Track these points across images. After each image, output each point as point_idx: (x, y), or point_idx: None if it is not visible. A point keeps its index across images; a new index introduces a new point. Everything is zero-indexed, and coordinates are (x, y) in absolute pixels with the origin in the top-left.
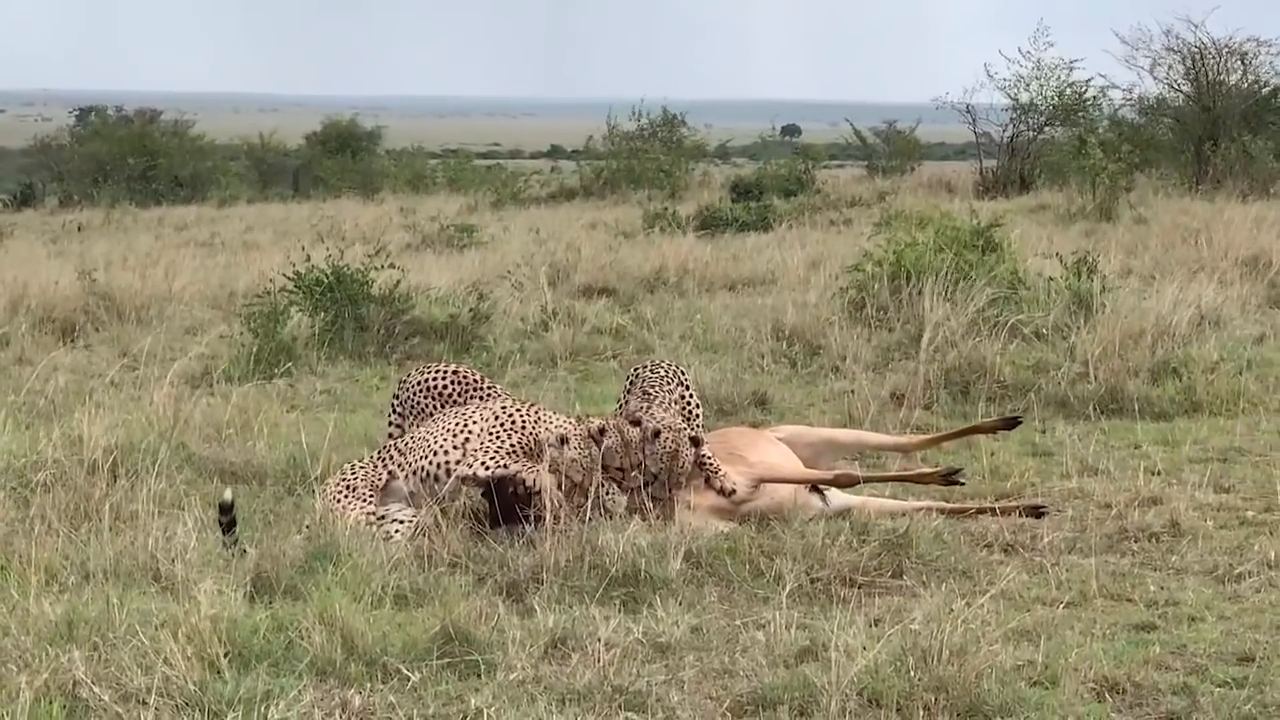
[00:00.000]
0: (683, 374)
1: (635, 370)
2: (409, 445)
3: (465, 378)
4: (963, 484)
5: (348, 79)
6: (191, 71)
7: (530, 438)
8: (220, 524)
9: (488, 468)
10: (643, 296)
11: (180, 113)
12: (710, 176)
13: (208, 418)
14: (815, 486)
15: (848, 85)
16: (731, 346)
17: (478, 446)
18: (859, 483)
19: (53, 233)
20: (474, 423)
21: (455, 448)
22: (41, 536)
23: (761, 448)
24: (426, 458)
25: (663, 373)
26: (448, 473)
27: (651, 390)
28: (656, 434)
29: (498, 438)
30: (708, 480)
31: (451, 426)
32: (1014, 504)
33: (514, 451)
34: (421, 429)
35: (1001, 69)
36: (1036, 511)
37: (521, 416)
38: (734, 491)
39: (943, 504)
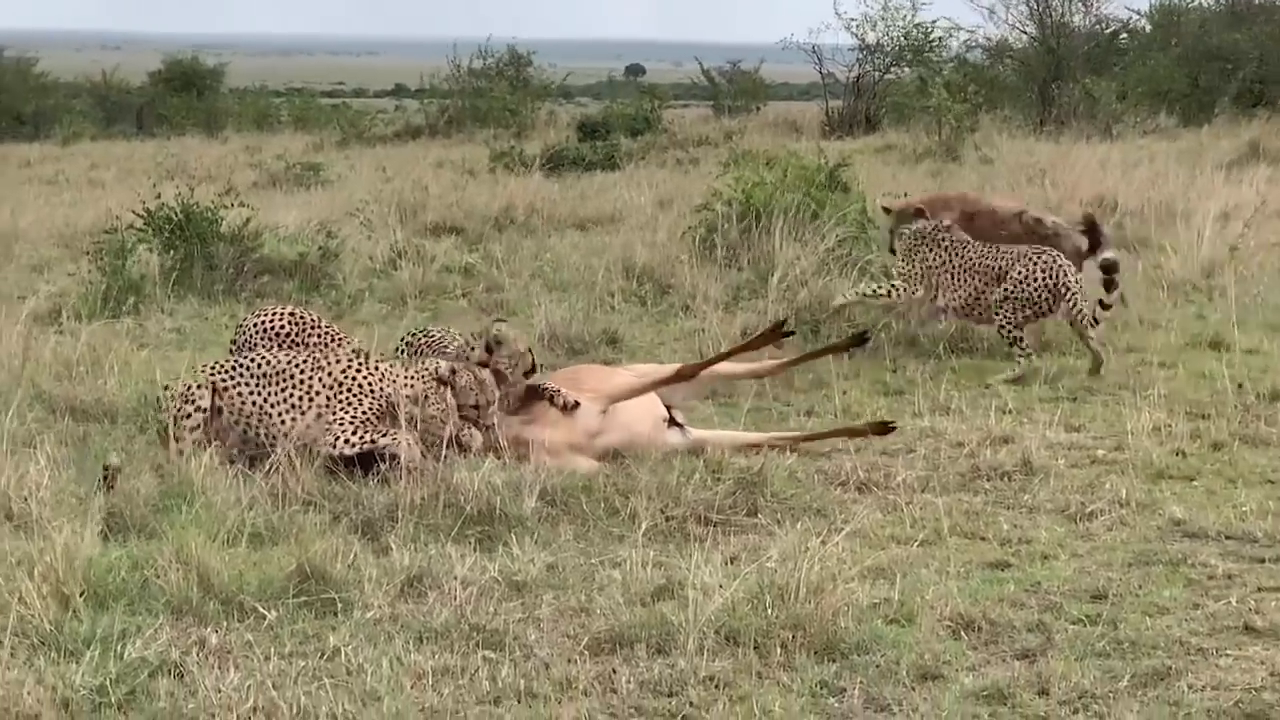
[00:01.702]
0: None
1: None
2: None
3: (303, 320)
4: (793, 333)
5: (189, 17)
6: (31, 7)
7: (381, 399)
8: (103, 480)
9: (352, 444)
10: (491, 235)
11: (22, 49)
12: (556, 116)
13: (57, 356)
14: (673, 420)
15: (691, 25)
16: (581, 285)
17: (333, 419)
18: (701, 370)
19: None
20: (318, 393)
21: (303, 419)
22: None
23: (614, 380)
24: (271, 427)
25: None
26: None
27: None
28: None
29: (350, 406)
30: (551, 401)
31: (295, 397)
32: (861, 424)
33: (369, 420)
34: (263, 394)
35: (850, 8)
36: (885, 428)
37: (364, 377)
38: (577, 405)
39: (795, 433)
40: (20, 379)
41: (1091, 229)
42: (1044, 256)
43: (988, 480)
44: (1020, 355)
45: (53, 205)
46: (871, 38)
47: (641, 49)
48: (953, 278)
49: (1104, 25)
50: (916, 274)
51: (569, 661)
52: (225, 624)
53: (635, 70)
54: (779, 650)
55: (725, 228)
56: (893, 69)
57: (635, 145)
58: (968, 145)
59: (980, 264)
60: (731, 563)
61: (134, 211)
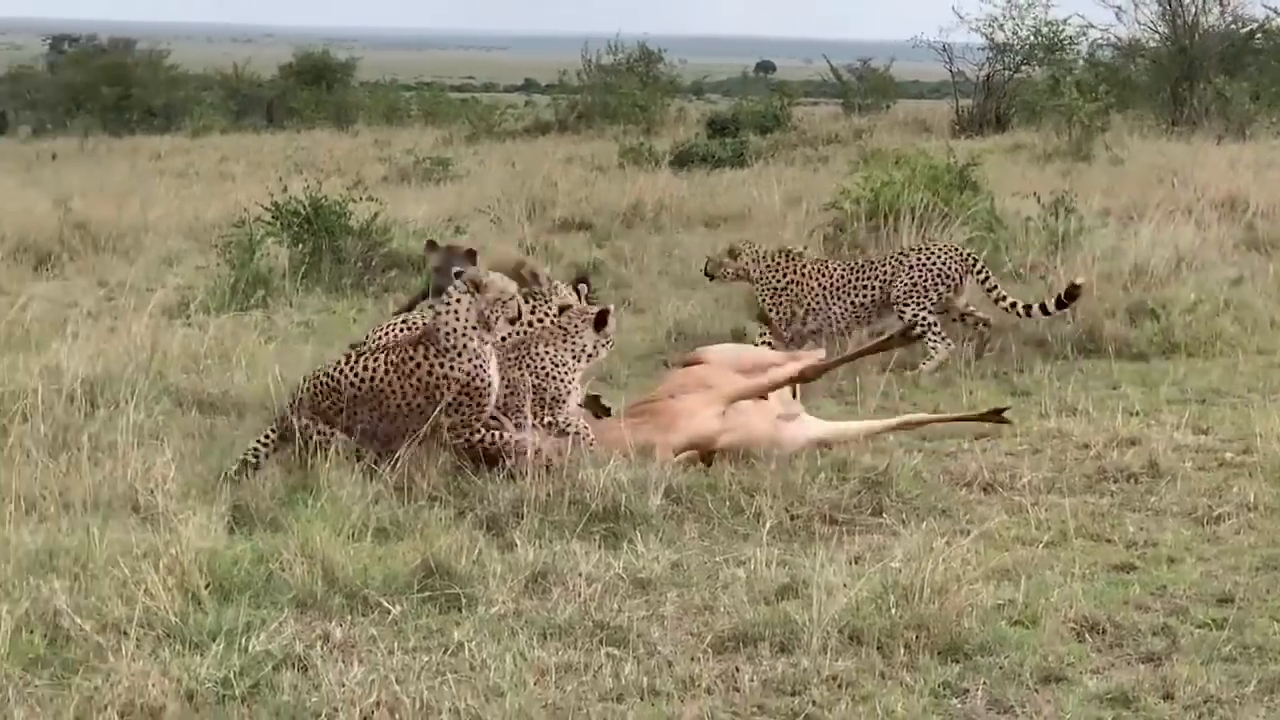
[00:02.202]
0: None
1: None
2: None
3: None
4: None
5: (321, 10)
6: (166, 1)
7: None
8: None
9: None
10: (619, 231)
11: (155, 42)
12: (686, 112)
13: (185, 348)
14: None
15: (822, 22)
16: (708, 282)
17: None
18: (824, 372)
19: (26, 162)
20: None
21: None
22: (20, 466)
23: (733, 381)
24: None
25: None
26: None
27: None
28: None
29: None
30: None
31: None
32: (976, 412)
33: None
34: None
35: (974, 8)
36: (999, 415)
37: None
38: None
39: (915, 416)
40: (148, 371)
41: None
42: None
43: (1114, 482)
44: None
45: (182, 198)
46: (1001, 36)
47: (772, 46)
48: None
49: (1239, 25)
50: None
51: (692, 659)
52: (349, 618)
53: (765, 67)
54: (902, 650)
55: (853, 226)
56: (1023, 68)
57: (764, 143)
58: (1098, 145)
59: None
60: (856, 562)
61: (262, 205)
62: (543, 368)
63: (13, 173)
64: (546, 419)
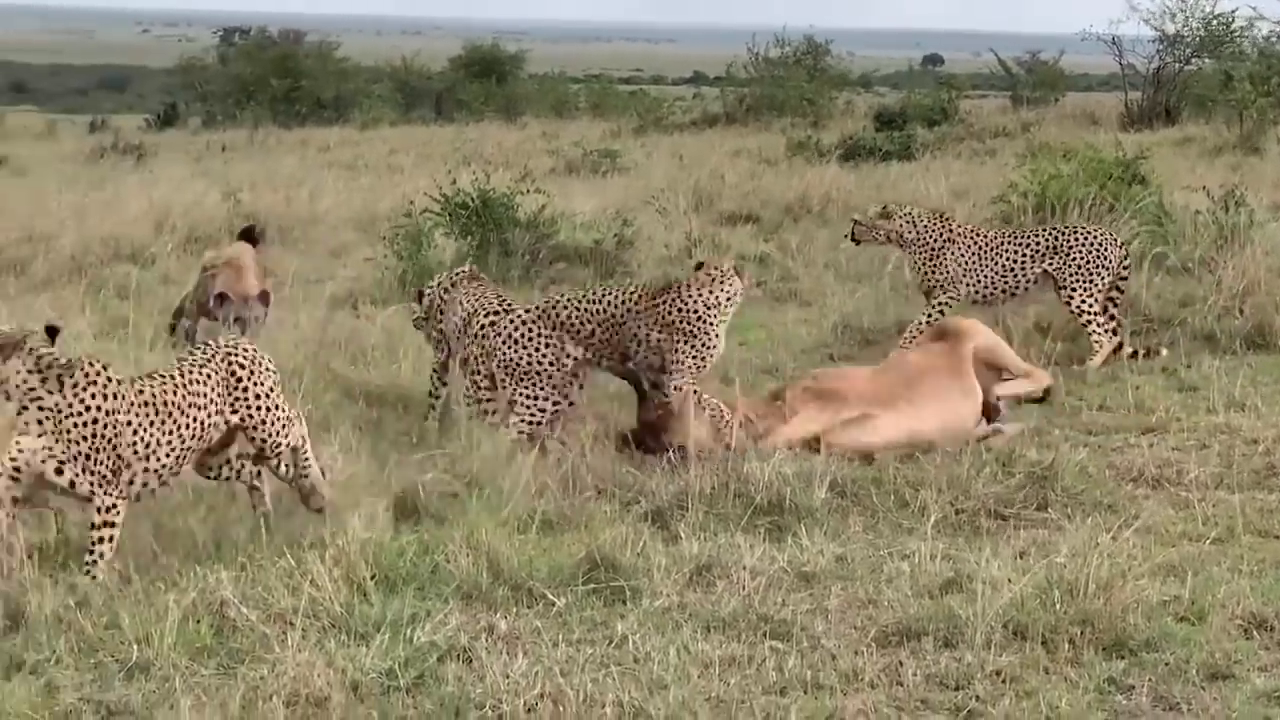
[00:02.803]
0: None
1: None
2: None
3: None
4: None
5: (489, 3)
6: None
7: None
8: None
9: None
10: (786, 224)
11: (324, 35)
12: (853, 105)
13: (353, 340)
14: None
15: (990, 14)
16: (874, 276)
17: None
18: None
19: (196, 153)
20: None
21: None
22: None
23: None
24: None
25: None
26: None
27: None
28: None
29: None
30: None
31: None
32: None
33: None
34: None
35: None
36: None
37: None
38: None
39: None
40: (315, 362)
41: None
42: None
43: None
44: None
45: (351, 190)
46: (1171, 29)
47: (939, 39)
48: None
49: None
50: None
51: (855, 653)
52: (514, 610)
53: (933, 60)
54: (1067, 646)
55: (1020, 220)
56: (1193, 60)
57: (932, 136)
58: (1269, 138)
59: None
60: (1020, 557)
61: (431, 197)
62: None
63: (183, 164)
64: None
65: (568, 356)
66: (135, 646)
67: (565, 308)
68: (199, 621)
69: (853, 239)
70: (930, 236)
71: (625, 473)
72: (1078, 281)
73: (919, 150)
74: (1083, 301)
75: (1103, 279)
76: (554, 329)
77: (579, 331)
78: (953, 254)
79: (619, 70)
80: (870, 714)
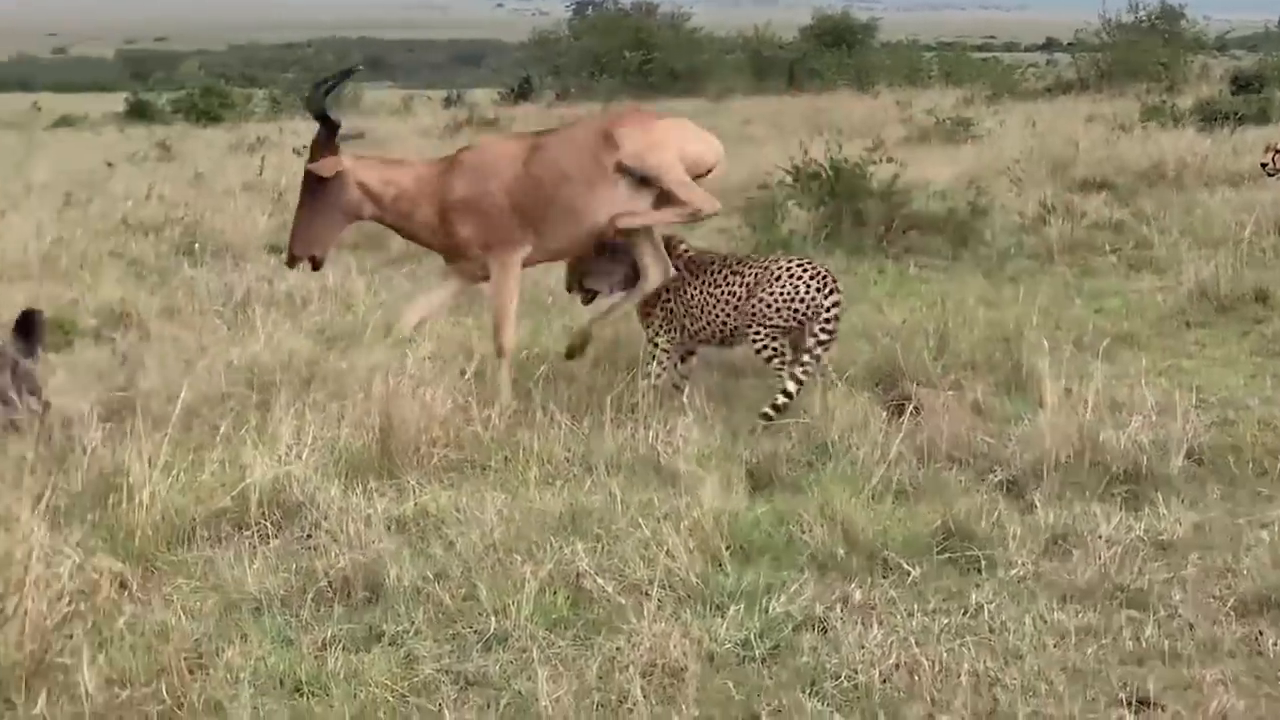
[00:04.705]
0: None
1: None
2: None
3: None
4: None
5: None
6: None
7: None
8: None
9: None
10: (1142, 191)
11: (676, 6)
12: (1209, 69)
13: None
14: None
15: None
16: (1230, 241)
17: None
18: None
19: (550, 126)
20: None
21: None
22: (544, 428)
23: None
24: None
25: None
26: None
27: None
28: None
29: None
30: None
31: None
32: None
33: None
34: None
35: None
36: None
37: None
38: None
39: None
40: None
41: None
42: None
43: None
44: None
45: None
46: None
47: None
48: None
49: None
50: None
51: (1214, 623)
52: (869, 580)
53: None
54: None
55: None
56: None
57: None
58: None
59: None
60: None
61: (783, 168)
62: None
63: None
64: None
65: None
66: (493, 618)
67: None
68: (556, 593)
69: (1267, 170)
70: None
71: (980, 441)
72: None
73: (1277, 114)
74: None
75: None
76: None
77: None
78: None
79: (972, 38)
80: (1229, 684)
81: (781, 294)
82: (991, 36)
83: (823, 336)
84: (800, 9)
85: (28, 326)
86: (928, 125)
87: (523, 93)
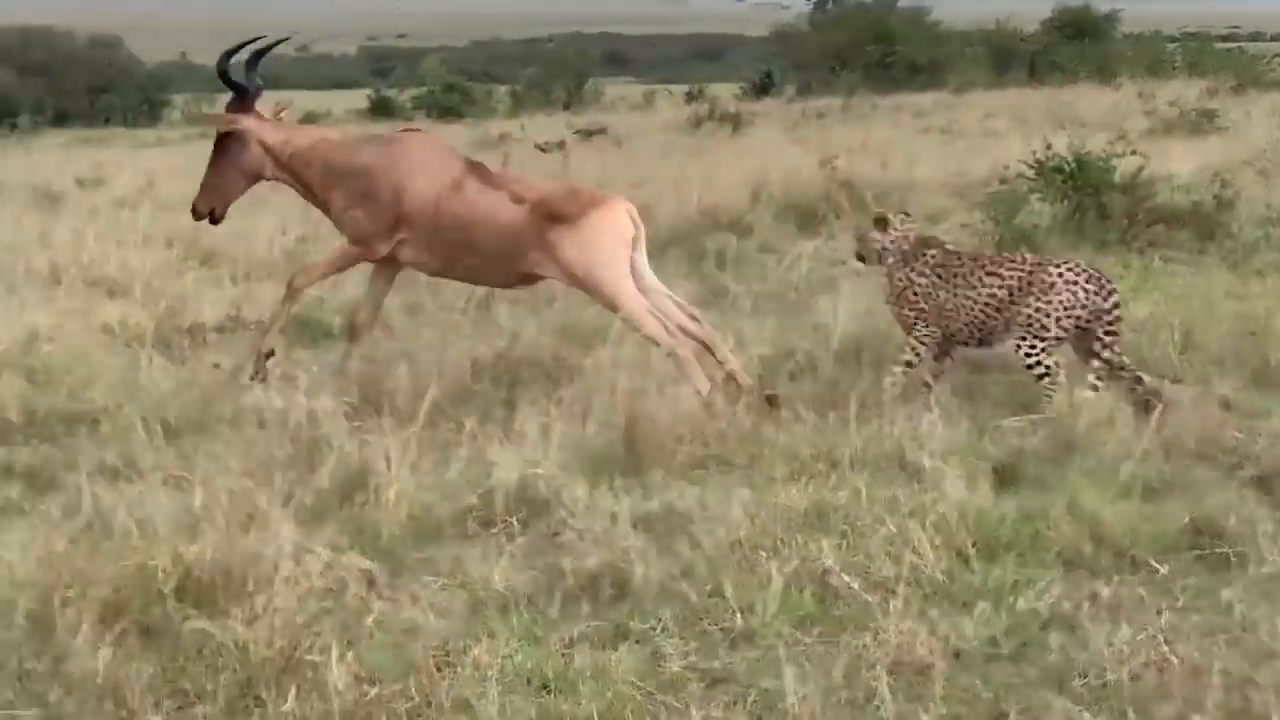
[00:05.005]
0: None
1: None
2: None
3: None
4: None
5: None
6: None
7: None
8: None
9: None
10: None
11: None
12: None
13: None
14: None
15: None
16: None
17: None
18: None
19: (791, 121)
20: None
21: None
22: (790, 425)
23: None
24: None
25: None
26: None
27: None
28: None
29: None
30: None
31: None
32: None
33: None
34: None
35: None
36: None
37: None
38: None
39: None
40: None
41: None
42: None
43: None
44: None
45: (946, 155)
46: None
47: None
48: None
49: None
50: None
51: None
52: (1117, 577)
53: None
54: None
55: None
56: None
57: None
58: None
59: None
60: None
61: (1025, 162)
62: None
63: (778, 132)
64: None
65: None
66: (739, 615)
67: None
68: (801, 590)
69: None
70: None
71: (1229, 436)
72: None
73: None
74: None
75: None
76: None
77: None
78: None
79: (1216, 28)
80: None
81: (1060, 303)
82: (1236, 26)
83: (1108, 339)
84: (1041, 1)
85: None
86: (1171, 117)
87: (764, 87)
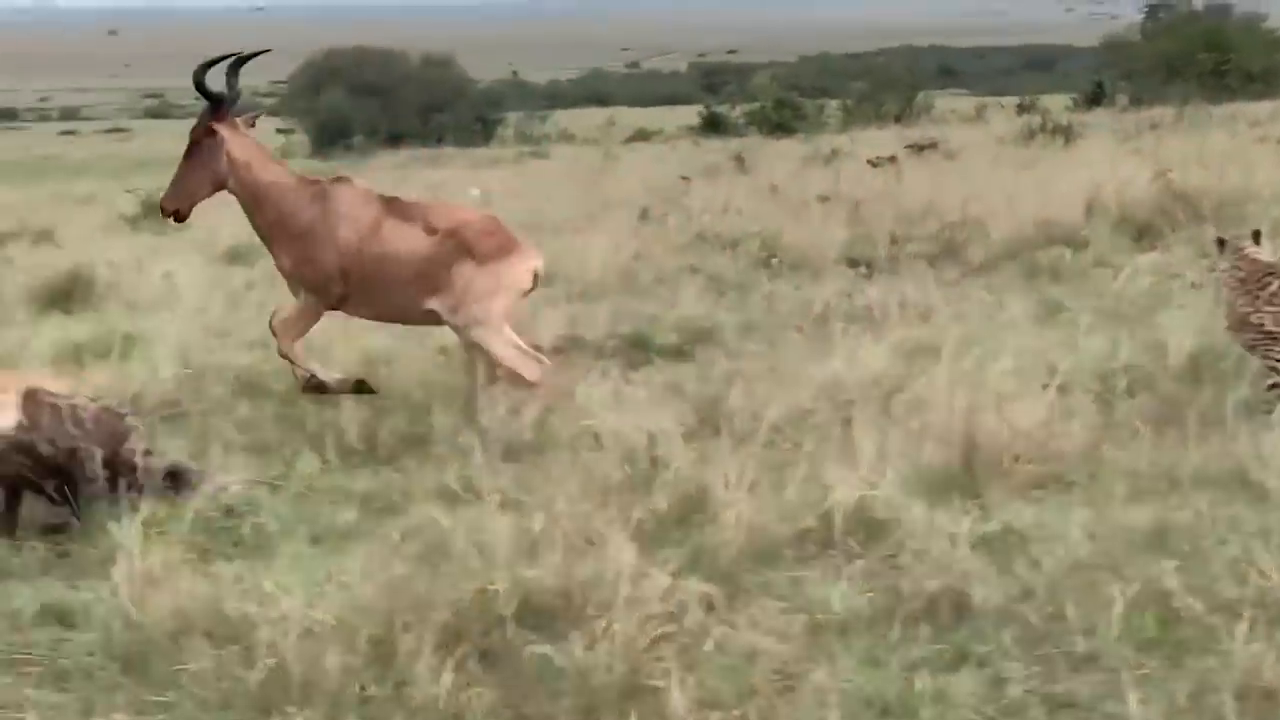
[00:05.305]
0: None
1: None
2: None
3: None
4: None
5: None
6: None
7: None
8: None
9: None
10: None
11: (1253, 6)
12: None
13: None
14: None
15: None
16: None
17: None
18: None
19: (1124, 132)
20: None
21: None
22: (1127, 442)
23: None
24: None
25: None
26: None
27: None
28: None
29: None
30: None
31: None
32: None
33: None
34: None
35: None
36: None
37: None
38: None
39: None
40: None
41: None
42: None
43: None
44: None
45: None
46: None
47: None
48: None
49: None
50: None
51: None
52: None
53: None
54: None
55: None
56: None
57: None
58: None
59: None
60: None
61: None
62: None
63: (1111, 143)
64: None
65: None
66: (1081, 638)
67: None
68: (1144, 613)
69: None
70: None
71: None
72: None
73: None
74: None
75: None
76: None
77: None
78: None
79: None
80: None
81: None
82: None
83: None
84: None
85: None
86: None
87: (1095, 98)
